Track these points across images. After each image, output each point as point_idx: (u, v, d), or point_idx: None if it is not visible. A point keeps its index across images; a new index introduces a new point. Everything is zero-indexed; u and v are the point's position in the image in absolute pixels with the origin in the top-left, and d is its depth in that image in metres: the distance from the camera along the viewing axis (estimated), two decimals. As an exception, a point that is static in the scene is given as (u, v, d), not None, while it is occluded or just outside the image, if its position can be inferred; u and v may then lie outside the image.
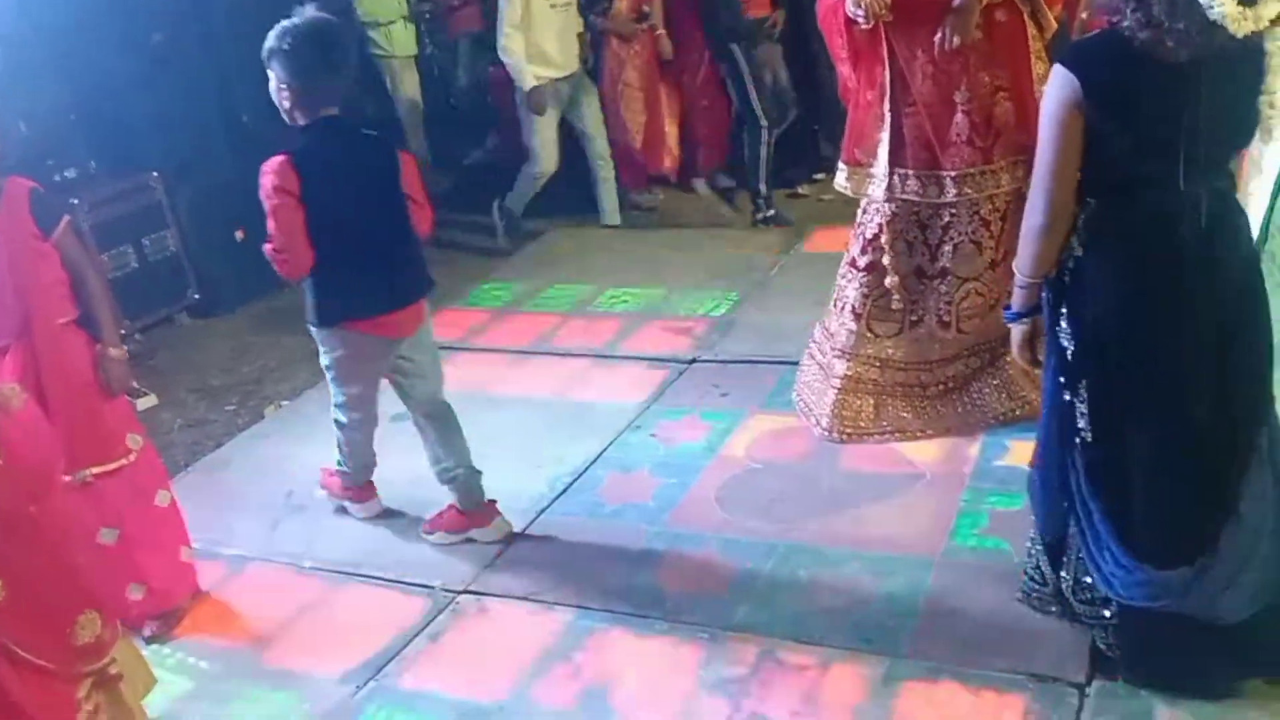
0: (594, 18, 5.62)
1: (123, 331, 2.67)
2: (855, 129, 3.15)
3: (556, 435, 3.52)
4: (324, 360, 2.91)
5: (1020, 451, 3.04)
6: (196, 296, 5.02)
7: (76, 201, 4.37)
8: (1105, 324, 1.97)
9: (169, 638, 2.75)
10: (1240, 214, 1.98)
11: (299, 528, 3.20)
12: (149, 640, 2.72)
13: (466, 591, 2.79)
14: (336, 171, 2.66)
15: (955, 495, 2.90)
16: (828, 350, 3.32)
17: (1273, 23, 1.70)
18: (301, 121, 2.68)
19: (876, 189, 3.11)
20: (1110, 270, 1.95)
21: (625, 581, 2.74)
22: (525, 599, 2.73)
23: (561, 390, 3.86)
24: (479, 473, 3.00)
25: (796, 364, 3.67)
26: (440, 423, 2.96)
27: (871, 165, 3.12)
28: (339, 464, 3.14)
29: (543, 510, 3.11)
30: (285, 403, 4.09)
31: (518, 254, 5.37)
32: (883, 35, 2.97)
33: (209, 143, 5.06)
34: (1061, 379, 2.04)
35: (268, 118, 5.42)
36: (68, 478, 2.54)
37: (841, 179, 3.23)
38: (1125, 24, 1.78)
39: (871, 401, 3.23)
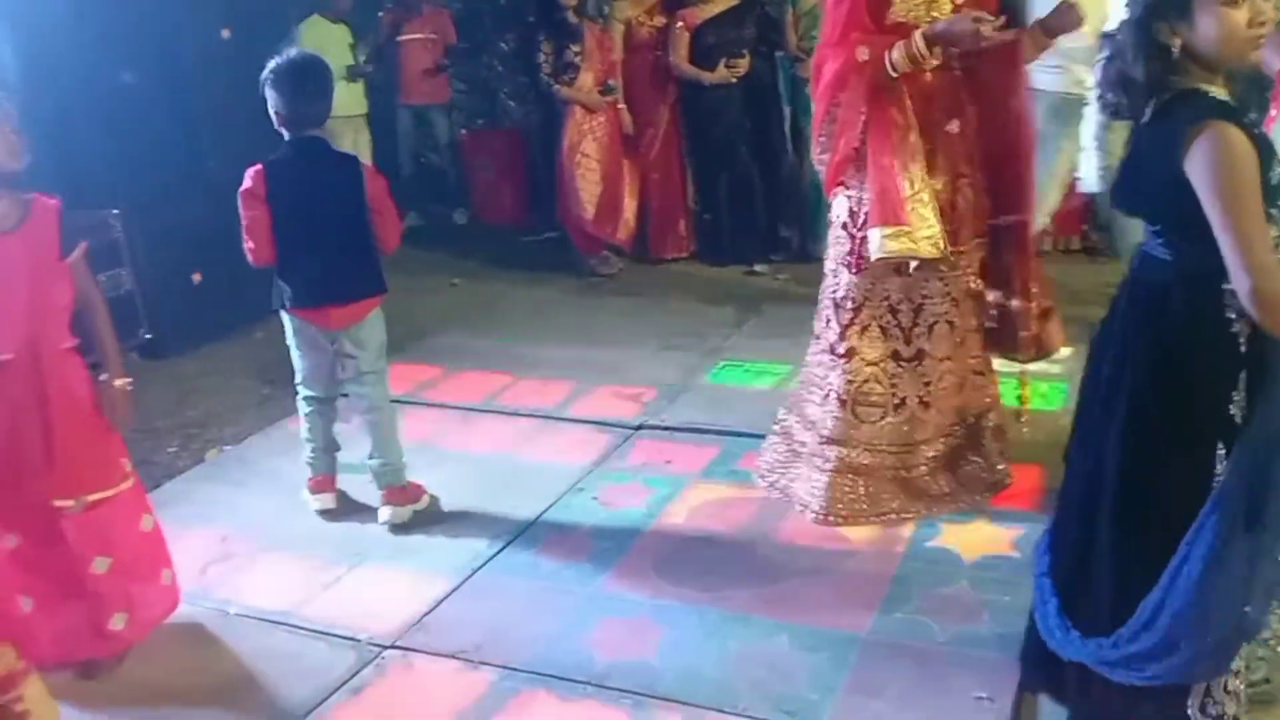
0: (558, 88, 5.76)
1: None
2: (892, 192, 2.98)
3: (499, 494, 3.52)
4: (288, 338, 3.34)
5: (951, 534, 3.11)
6: (148, 336, 4.99)
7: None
8: None
9: (105, 673, 2.70)
10: (1193, 292, 1.88)
11: (229, 573, 3.17)
12: (86, 674, 2.68)
13: (393, 646, 2.76)
14: (299, 180, 3.13)
15: (886, 573, 2.94)
16: (810, 439, 3.30)
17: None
18: (287, 139, 3.15)
19: (936, 248, 2.99)
20: None
21: (555, 643, 2.74)
22: (452, 656, 2.70)
23: (507, 449, 3.87)
24: (395, 467, 3.40)
25: (742, 435, 3.73)
26: (373, 419, 3.36)
27: (920, 228, 2.99)
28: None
29: (479, 567, 3.10)
30: (228, 447, 4.06)
31: (475, 311, 5.41)
32: (905, 102, 2.97)
33: (172, 185, 5.08)
34: None
35: (233, 163, 5.50)
36: (70, 503, 2.55)
37: (889, 244, 3.00)
38: None
39: (862, 484, 3.21)
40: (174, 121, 5.09)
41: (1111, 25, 1.94)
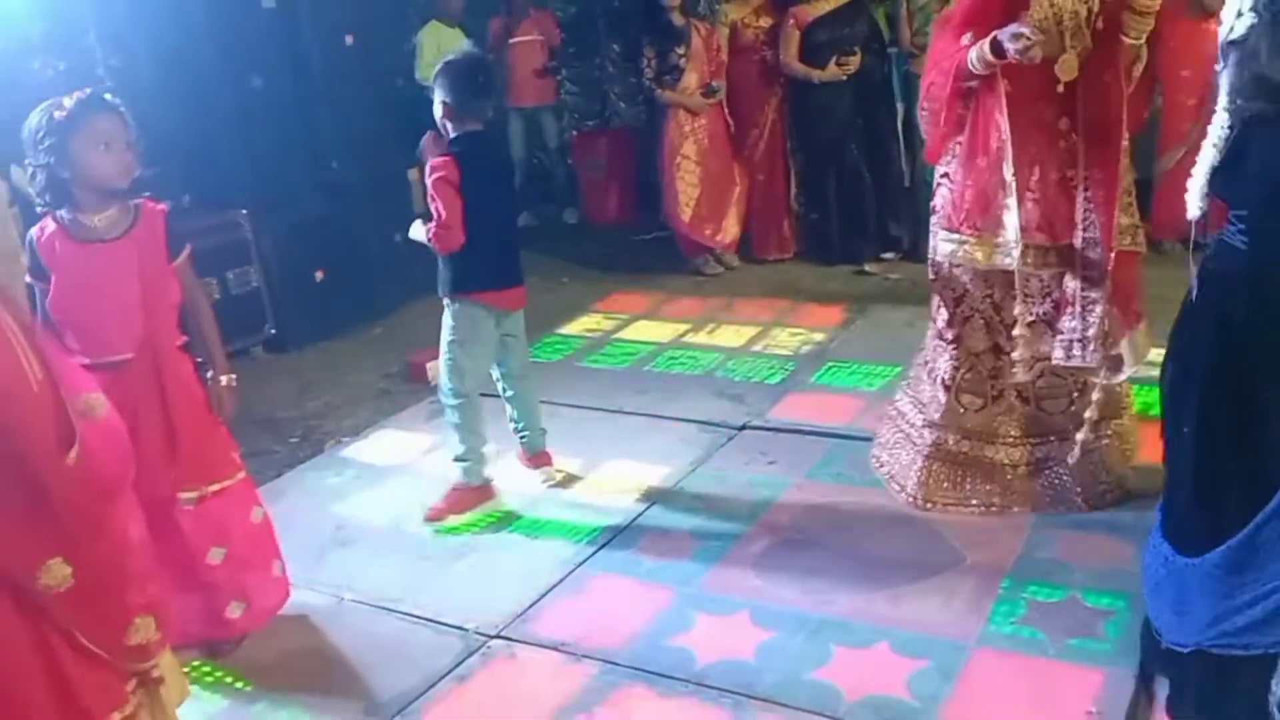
0: (660, 92, 5.78)
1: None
2: (979, 197, 3.00)
3: (603, 490, 3.57)
4: (446, 338, 3.39)
5: (1068, 545, 3.01)
6: (273, 331, 5.20)
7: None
8: None
9: (225, 654, 2.83)
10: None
11: (344, 560, 3.29)
12: (209, 655, 2.82)
13: (499, 636, 2.82)
14: (479, 172, 3.25)
15: (995, 582, 2.87)
16: (917, 420, 3.33)
17: None
18: (452, 132, 3.28)
19: (1010, 258, 2.98)
20: None
21: (655, 640, 2.76)
22: (555, 649, 2.75)
23: (611, 447, 3.91)
24: (544, 431, 3.63)
25: (847, 438, 3.70)
26: (523, 388, 3.56)
27: (998, 235, 2.99)
28: (456, 456, 3.45)
29: (582, 562, 3.15)
30: (346, 439, 4.20)
31: (581, 309, 5.49)
32: (1002, 100, 2.92)
33: (297, 186, 5.29)
34: None
35: (355, 165, 5.68)
36: (191, 494, 2.69)
37: (960, 250, 3.07)
38: None
39: (961, 472, 3.22)
40: (299, 124, 5.29)
41: (1237, 34, 1.91)
